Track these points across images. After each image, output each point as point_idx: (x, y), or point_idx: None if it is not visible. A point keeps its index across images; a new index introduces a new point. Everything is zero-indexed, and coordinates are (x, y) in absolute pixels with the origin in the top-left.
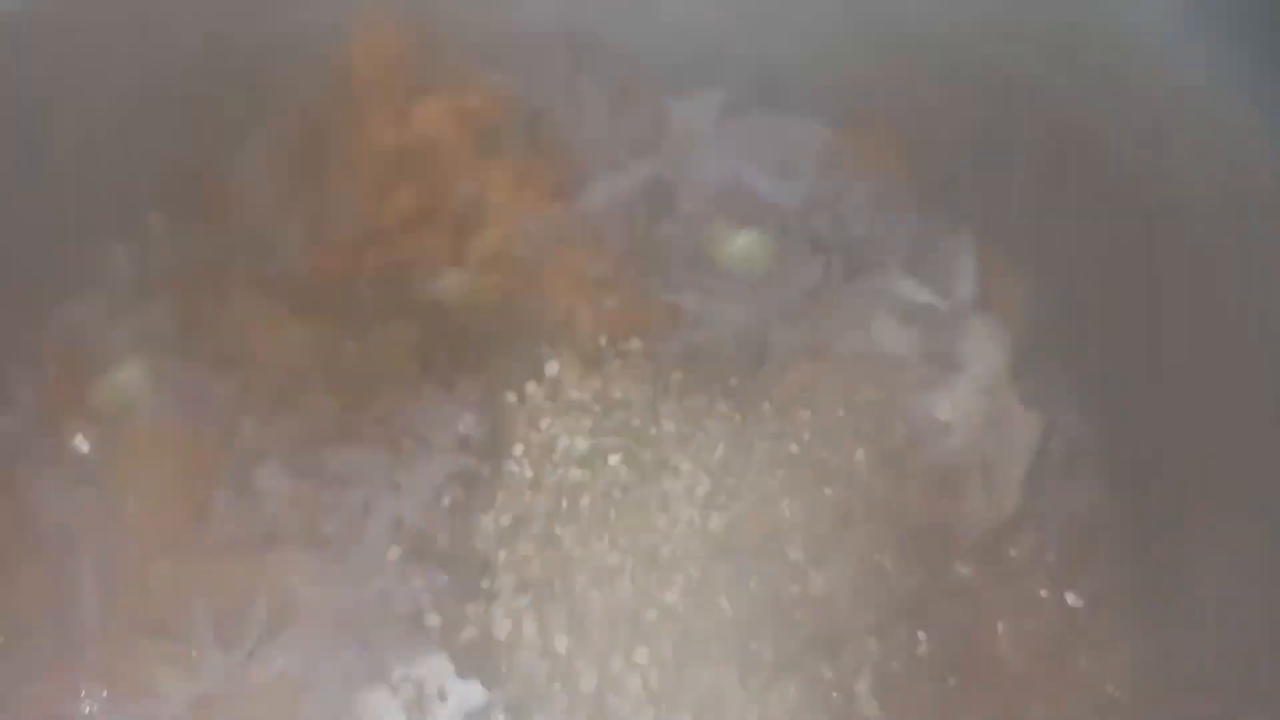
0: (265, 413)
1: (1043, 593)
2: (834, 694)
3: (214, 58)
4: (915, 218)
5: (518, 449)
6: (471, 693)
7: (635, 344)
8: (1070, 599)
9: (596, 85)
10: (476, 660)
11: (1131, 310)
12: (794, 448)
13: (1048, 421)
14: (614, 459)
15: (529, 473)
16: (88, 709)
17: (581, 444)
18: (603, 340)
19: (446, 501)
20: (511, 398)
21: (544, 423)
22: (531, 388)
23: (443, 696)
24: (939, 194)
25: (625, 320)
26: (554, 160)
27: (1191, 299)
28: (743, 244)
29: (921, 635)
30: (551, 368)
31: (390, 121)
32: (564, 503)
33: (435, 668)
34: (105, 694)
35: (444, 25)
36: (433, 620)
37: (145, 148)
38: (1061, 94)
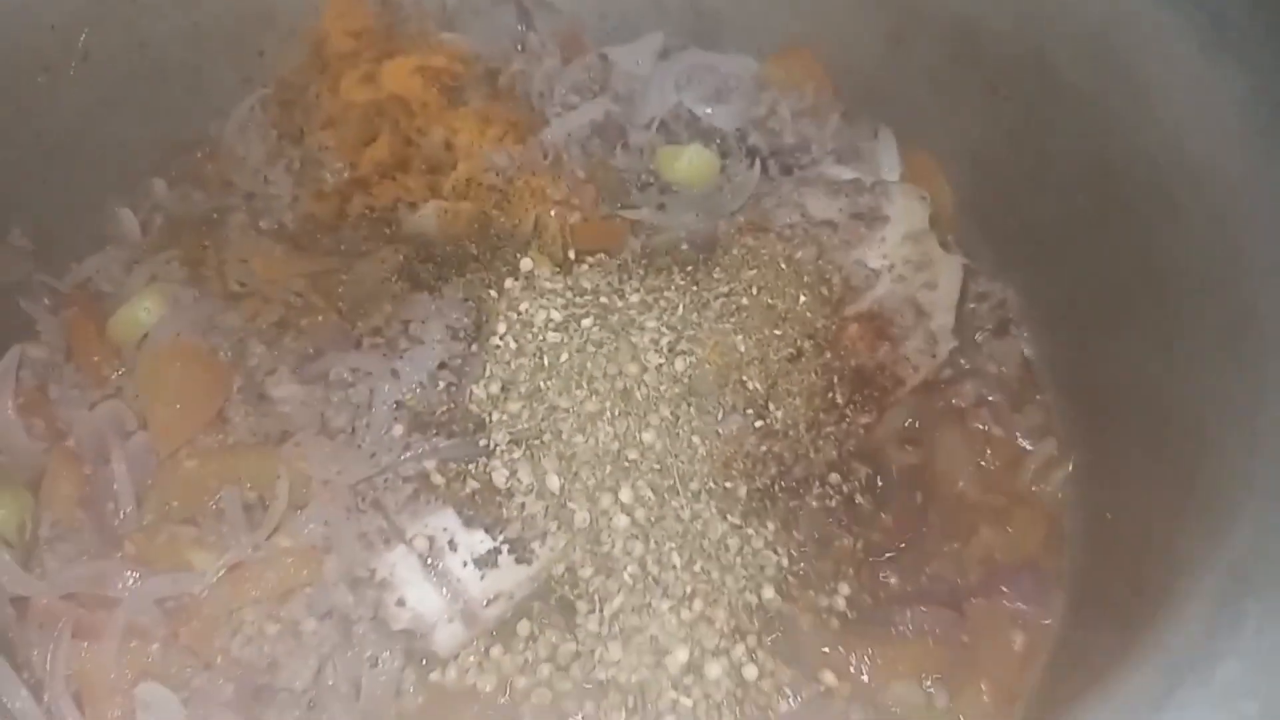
0: (272, 335)
1: (982, 426)
2: (808, 526)
3: (199, 35)
4: (839, 123)
5: (501, 327)
6: (478, 539)
7: (600, 256)
8: (1015, 435)
9: (546, 40)
10: (480, 510)
11: (1036, 181)
12: (744, 300)
13: (968, 267)
14: (586, 322)
15: (513, 344)
16: (130, 584)
17: (557, 315)
18: (571, 253)
19: (442, 383)
20: (493, 293)
21: (523, 306)
22: (509, 283)
23: (453, 546)
24: (858, 101)
25: (589, 234)
26: (513, 107)
27: (1084, 162)
28: (688, 163)
29: (879, 472)
30: (525, 264)
31: (363, 83)
32: (545, 361)
33: (444, 521)
34: (144, 573)
35: None
36: (438, 480)
37: (142, 119)
38: None
